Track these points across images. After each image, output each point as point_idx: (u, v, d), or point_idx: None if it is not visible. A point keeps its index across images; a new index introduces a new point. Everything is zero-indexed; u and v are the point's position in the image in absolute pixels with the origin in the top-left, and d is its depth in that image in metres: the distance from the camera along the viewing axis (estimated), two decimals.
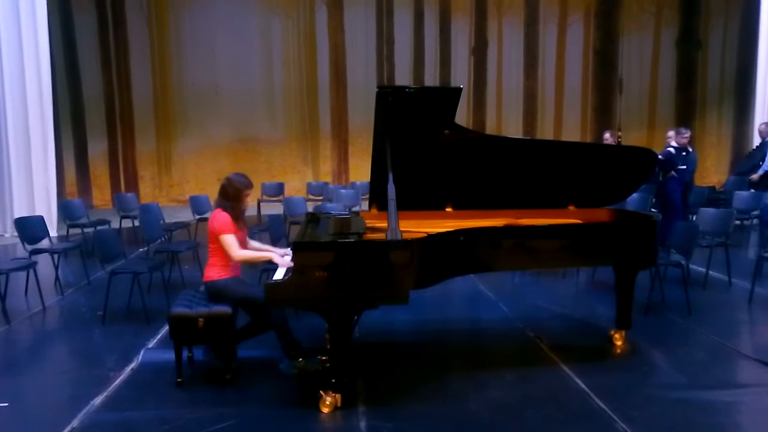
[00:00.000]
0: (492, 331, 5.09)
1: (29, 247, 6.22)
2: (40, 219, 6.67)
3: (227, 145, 13.21)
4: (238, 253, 3.93)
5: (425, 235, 3.64)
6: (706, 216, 6.47)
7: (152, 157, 13.26)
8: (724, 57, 13.80)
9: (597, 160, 4.71)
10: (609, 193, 4.84)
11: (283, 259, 3.92)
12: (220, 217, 3.94)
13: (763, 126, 9.28)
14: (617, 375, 4.05)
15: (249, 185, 4.06)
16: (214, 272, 3.99)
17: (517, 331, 4.97)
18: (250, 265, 4.72)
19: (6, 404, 3.65)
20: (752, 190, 8.62)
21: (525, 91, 13.72)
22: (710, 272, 6.43)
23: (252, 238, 4.35)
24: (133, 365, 4.23)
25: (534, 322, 5.12)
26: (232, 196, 3.99)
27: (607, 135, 9.10)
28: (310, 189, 11.23)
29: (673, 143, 8.04)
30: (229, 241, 3.90)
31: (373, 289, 3.39)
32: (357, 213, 4.77)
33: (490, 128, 13.45)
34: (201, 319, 3.77)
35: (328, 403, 3.48)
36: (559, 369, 4.14)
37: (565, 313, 5.46)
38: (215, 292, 3.96)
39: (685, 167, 7.97)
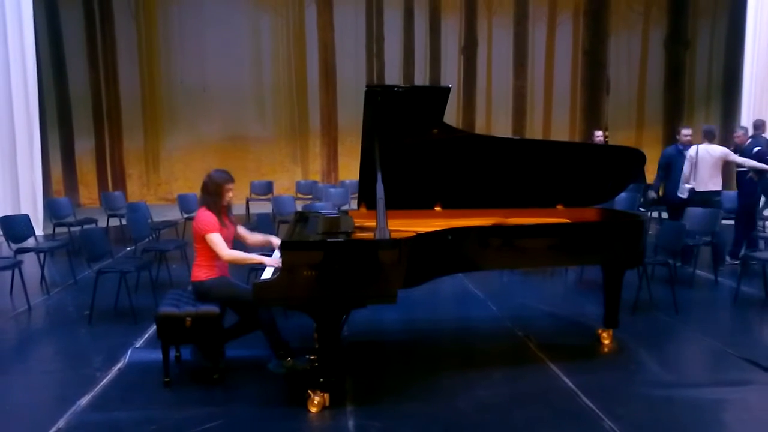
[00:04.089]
0: (480, 330, 5.10)
1: (14, 246, 6.17)
2: (26, 218, 6.61)
3: (216, 143, 13.14)
4: (226, 252, 3.91)
5: (414, 234, 3.64)
6: (693, 215, 6.51)
7: (140, 155, 13.16)
8: (712, 57, 13.89)
9: (585, 160, 4.73)
10: (597, 193, 4.86)
11: (273, 260, 3.89)
12: (203, 217, 3.92)
13: None
14: (605, 373, 4.08)
15: (229, 180, 4.03)
16: (201, 272, 3.96)
17: (506, 330, 4.99)
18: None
19: None
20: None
21: (514, 90, 13.75)
22: (697, 271, 6.49)
23: None
24: (120, 365, 4.20)
25: (522, 321, 5.14)
26: (213, 191, 3.97)
27: (599, 133, 9.10)
28: (299, 188, 11.19)
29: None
30: (216, 240, 3.87)
31: (361, 288, 3.39)
32: (346, 212, 4.77)
33: (480, 127, 13.46)
34: (188, 319, 3.75)
35: (316, 402, 3.47)
36: (547, 368, 4.16)
37: (554, 312, 5.48)
38: (202, 292, 3.93)
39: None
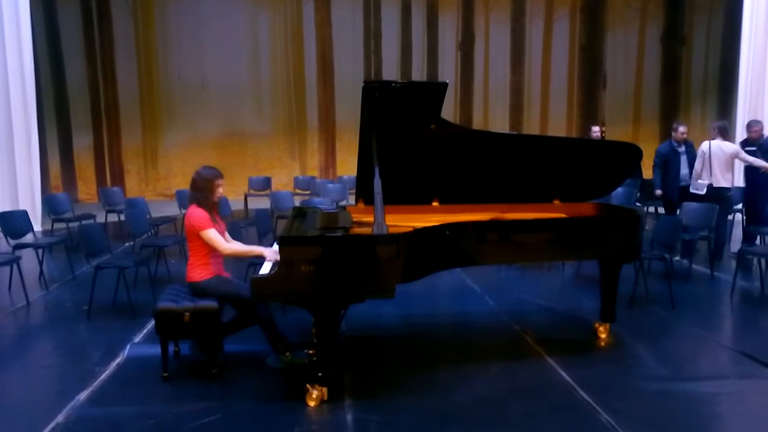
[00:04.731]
0: (478, 324, 5.13)
1: (13, 242, 6.17)
2: (24, 213, 6.62)
3: (214, 139, 13.13)
4: (225, 246, 3.90)
5: (411, 229, 3.65)
6: (689, 210, 6.53)
7: (138, 150, 13.15)
8: (708, 53, 13.92)
9: (582, 155, 4.75)
10: (594, 188, 4.88)
11: (272, 253, 3.90)
12: (196, 213, 3.88)
13: None
14: (601, 367, 4.10)
15: (219, 175, 4.01)
16: (195, 273, 3.94)
17: (503, 325, 5.01)
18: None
19: None
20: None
21: (511, 85, 13.76)
22: (693, 266, 6.51)
23: (238, 232, 4.33)
24: (118, 360, 4.22)
25: (520, 316, 5.16)
26: (203, 186, 3.93)
27: (596, 129, 9.12)
28: (297, 183, 11.19)
29: None
30: (213, 235, 3.86)
31: (359, 283, 3.40)
32: (344, 207, 4.77)
33: (477, 123, 13.47)
34: (187, 314, 3.76)
35: (314, 396, 3.49)
36: (544, 361, 4.18)
37: (551, 306, 5.51)
38: (199, 292, 3.92)
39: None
